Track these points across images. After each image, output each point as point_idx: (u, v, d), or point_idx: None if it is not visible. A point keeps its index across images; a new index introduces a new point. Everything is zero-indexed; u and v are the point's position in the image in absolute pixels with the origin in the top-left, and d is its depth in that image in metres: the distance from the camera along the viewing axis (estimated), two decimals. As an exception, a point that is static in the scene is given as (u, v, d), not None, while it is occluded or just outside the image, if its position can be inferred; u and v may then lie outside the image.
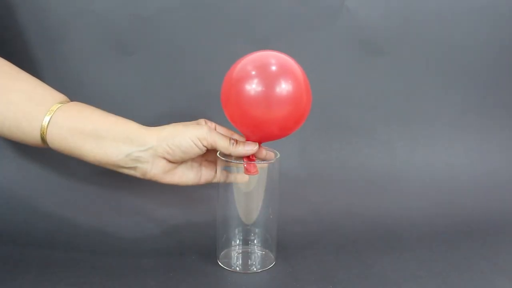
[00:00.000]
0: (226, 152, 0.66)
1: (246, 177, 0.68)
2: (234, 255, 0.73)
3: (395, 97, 0.97)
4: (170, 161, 0.65)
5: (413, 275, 0.69)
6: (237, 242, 0.73)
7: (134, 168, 0.64)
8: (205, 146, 0.65)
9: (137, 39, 0.87)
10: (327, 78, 0.94)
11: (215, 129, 0.68)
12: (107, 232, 0.80)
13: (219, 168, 0.69)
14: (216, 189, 0.71)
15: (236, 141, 0.66)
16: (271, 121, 0.59)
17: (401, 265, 0.72)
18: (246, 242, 0.73)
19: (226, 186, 0.69)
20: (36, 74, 0.69)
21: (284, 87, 0.57)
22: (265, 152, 0.68)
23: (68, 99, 0.67)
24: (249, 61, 0.59)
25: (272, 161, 0.68)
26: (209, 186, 0.73)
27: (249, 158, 0.67)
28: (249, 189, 0.69)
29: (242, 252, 0.74)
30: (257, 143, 0.66)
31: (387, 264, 0.72)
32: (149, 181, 0.67)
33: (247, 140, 0.66)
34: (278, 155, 0.69)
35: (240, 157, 0.67)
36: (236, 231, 0.72)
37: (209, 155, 0.71)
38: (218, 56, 0.89)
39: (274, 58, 0.58)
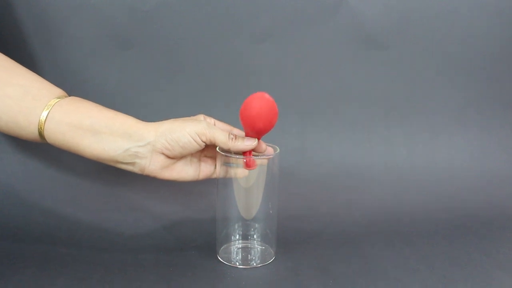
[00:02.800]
0: (225, 147, 0.65)
1: (246, 172, 0.67)
2: (234, 250, 0.73)
3: (395, 92, 0.97)
4: (168, 157, 0.65)
5: (413, 270, 0.69)
6: (237, 237, 0.73)
7: (132, 163, 0.64)
8: (204, 142, 0.64)
9: (136, 33, 0.87)
10: (327, 73, 0.94)
11: (214, 125, 0.67)
12: (107, 228, 0.80)
13: (218, 164, 0.68)
14: (215, 185, 0.70)
15: (235, 136, 0.65)
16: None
17: (401, 260, 0.72)
18: (245, 237, 0.73)
19: (225, 182, 0.69)
20: (34, 68, 0.68)
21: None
22: (264, 147, 0.68)
23: (66, 94, 0.66)
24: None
25: (272, 156, 0.68)
26: (208, 182, 0.73)
27: (249, 153, 0.66)
28: (248, 184, 0.68)
29: (242, 247, 0.73)
30: (256, 138, 0.66)
31: (387, 259, 0.72)
32: (148, 177, 0.67)
33: (246, 135, 0.66)
34: (278, 150, 0.69)
35: (239, 152, 0.67)
36: (236, 226, 0.72)
37: (208, 150, 0.70)
38: (218, 50, 0.89)
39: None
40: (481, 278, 0.67)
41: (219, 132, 0.64)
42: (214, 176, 0.70)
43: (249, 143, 0.65)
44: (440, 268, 0.70)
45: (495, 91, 0.98)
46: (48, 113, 0.62)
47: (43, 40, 0.85)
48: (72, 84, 0.83)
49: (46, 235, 0.76)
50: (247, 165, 0.65)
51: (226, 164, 0.68)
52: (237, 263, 0.70)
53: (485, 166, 0.97)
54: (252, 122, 0.63)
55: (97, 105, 0.65)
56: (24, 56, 0.84)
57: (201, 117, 0.68)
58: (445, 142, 0.98)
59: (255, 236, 0.73)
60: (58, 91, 0.65)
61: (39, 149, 0.87)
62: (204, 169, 0.70)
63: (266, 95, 0.62)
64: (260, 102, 0.61)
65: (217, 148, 0.68)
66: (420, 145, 0.98)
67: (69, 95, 0.66)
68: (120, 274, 0.66)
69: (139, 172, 0.65)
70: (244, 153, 0.67)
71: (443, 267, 0.70)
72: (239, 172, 0.67)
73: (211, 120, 0.69)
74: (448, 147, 0.98)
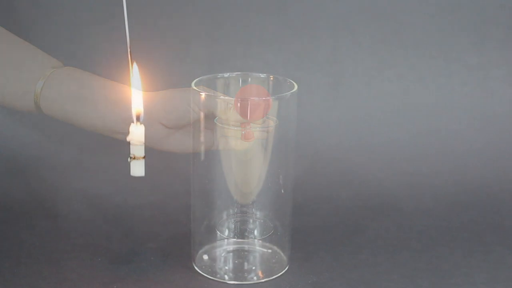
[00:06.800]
0: (223, 116, 0.62)
1: (245, 144, 0.62)
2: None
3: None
4: (166, 126, 0.63)
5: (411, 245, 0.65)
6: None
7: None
8: (201, 110, 0.64)
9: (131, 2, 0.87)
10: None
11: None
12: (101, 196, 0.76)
13: (216, 135, 0.63)
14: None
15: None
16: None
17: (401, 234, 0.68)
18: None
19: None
20: (28, 39, 0.70)
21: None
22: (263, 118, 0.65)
23: (62, 64, 0.66)
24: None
25: (271, 127, 0.61)
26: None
27: (247, 124, 0.61)
28: (246, 157, 0.59)
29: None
30: None
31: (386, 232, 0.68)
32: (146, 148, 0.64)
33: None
34: (277, 122, 0.62)
35: (237, 123, 0.61)
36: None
37: (208, 122, 0.65)
38: (217, 20, 0.86)
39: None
40: (483, 254, 0.63)
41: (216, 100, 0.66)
42: (213, 148, 0.65)
43: None
44: (438, 244, 0.65)
45: (496, 30, 0.88)
46: (44, 83, 0.61)
47: (36, 10, 0.84)
48: (66, 55, 0.78)
49: (36, 207, 0.72)
50: (245, 138, 0.60)
51: (225, 135, 0.63)
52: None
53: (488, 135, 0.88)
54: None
55: (94, 74, 0.65)
56: (17, 27, 0.82)
57: (200, 87, 0.67)
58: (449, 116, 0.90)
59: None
60: (54, 61, 0.65)
61: (32, 119, 0.83)
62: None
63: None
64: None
65: (215, 120, 0.63)
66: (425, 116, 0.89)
67: (65, 65, 0.65)
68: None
69: None
70: (241, 124, 0.61)
71: (442, 243, 0.65)
72: (238, 143, 0.62)
73: (210, 90, 0.66)
74: (450, 119, 0.88)
